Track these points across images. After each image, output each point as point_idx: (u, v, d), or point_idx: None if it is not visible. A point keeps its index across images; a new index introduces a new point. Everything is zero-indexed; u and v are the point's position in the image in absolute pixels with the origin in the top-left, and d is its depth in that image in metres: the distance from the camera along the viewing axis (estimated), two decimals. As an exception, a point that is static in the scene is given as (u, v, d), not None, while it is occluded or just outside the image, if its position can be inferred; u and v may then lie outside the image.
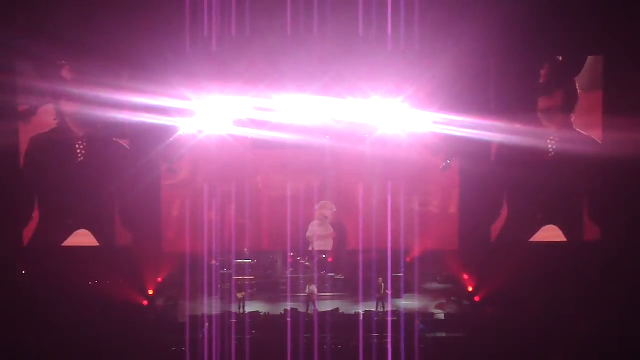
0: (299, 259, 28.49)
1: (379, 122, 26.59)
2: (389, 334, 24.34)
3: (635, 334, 23.19)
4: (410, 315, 24.94)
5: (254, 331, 24.70)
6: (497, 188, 27.60)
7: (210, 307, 25.89)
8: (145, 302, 26.70)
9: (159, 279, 27.63)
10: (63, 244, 27.52)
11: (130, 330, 24.14)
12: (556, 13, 25.21)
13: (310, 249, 28.71)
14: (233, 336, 24.29)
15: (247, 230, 28.19)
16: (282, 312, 25.55)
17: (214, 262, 27.87)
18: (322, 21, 24.99)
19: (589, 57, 26.92)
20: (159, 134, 26.31)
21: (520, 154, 27.00)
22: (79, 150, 27.26)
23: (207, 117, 26.36)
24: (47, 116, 27.01)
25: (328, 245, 28.92)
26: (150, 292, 26.98)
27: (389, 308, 25.53)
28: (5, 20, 24.80)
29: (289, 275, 28.09)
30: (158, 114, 25.73)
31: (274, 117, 26.30)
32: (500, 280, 26.13)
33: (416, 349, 23.78)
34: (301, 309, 25.86)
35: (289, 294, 27.09)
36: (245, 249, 28.42)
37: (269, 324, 25.21)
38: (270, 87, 25.78)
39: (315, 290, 26.42)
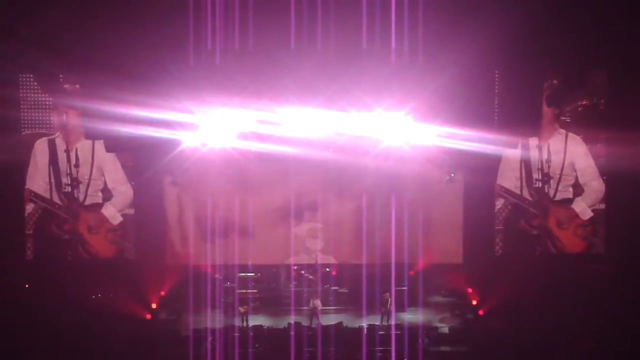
0: (302, 272, 28.46)
1: (383, 135, 26.53)
2: (393, 348, 24.27)
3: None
4: (414, 329, 24.88)
5: (257, 345, 24.66)
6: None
7: (214, 320, 25.84)
8: (149, 316, 26.70)
9: (163, 293, 27.57)
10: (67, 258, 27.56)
11: (133, 344, 24.12)
12: (559, 28, 25.23)
13: (313, 262, 28.67)
14: (236, 350, 24.25)
15: (250, 243, 28.12)
16: (286, 326, 25.51)
17: (217, 275, 27.87)
18: (325, 34, 24.98)
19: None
20: (162, 147, 26.30)
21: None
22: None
23: (210, 130, 26.35)
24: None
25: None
26: (154, 306, 26.94)
27: (392, 322, 25.46)
28: (8, 35, 24.88)
29: (292, 289, 28.05)
30: (162, 127, 25.70)
31: (277, 130, 26.26)
32: (505, 293, 26.03)
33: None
34: (305, 322, 25.82)
35: (292, 308, 27.01)
36: (249, 263, 28.38)
37: (272, 338, 25.17)
38: (273, 100, 25.75)
39: (319, 303, 26.38)
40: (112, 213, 27.66)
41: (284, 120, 26.11)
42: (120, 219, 27.70)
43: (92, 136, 27.07)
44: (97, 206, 27.65)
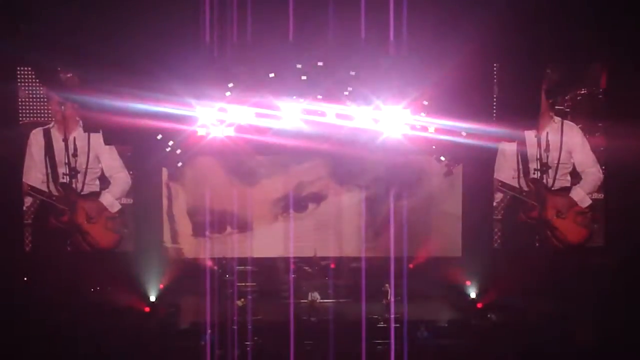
0: (301, 265, 28.41)
1: (381, 128, 26.43)
2: (392, 341, 24.27)
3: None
4: (413, 322, 24.86)
5: (256, 338, 24.66)
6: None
7: (213, 313, 25.81)
8: (147, 309, 26.70)
9: (161, 286, 27.55)
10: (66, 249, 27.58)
11: (131, 337, 24.09)
12: (559, 19, 25.16)
13: (312, 255, 28.65)
14: (235, 343, 24.24)
15: (249, 236, 28.09)
16: (284, 319, 25.46)
17: (216, 268, 27.84)
18: (323, 27, 24.88)
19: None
20: (161, 139, 26.21)
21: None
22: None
23: (208, 123, 26.24)
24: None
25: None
26: (152, 299, 26.94)
27: (391, 315, 25.46)
28: (7, 29, 24.81)
29: (291, 282, 28.01)
30: (159, 120, 25.63)
31: (276, 122, 26.18)
32: (504, 287, 26.05)
33: (419, 356, 23.72)
34: (303, 315, 25.80)
35: (291, 301, 26.95)
36: (248, 255, 28.35)
37: (271, 331, 25.14)
38: (271, 92, 25.69)
39: (318, 296, 26.36)
40: (110, 201, 27.63)
41: (282, 112, 26.04)
42: (119, 206, 27.66)
43: (89, 129, 27.00)
44: (95, 195, 27.60)
